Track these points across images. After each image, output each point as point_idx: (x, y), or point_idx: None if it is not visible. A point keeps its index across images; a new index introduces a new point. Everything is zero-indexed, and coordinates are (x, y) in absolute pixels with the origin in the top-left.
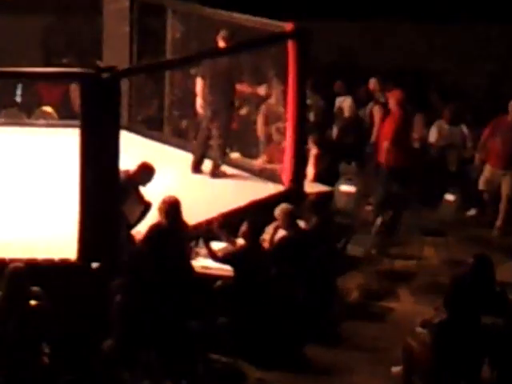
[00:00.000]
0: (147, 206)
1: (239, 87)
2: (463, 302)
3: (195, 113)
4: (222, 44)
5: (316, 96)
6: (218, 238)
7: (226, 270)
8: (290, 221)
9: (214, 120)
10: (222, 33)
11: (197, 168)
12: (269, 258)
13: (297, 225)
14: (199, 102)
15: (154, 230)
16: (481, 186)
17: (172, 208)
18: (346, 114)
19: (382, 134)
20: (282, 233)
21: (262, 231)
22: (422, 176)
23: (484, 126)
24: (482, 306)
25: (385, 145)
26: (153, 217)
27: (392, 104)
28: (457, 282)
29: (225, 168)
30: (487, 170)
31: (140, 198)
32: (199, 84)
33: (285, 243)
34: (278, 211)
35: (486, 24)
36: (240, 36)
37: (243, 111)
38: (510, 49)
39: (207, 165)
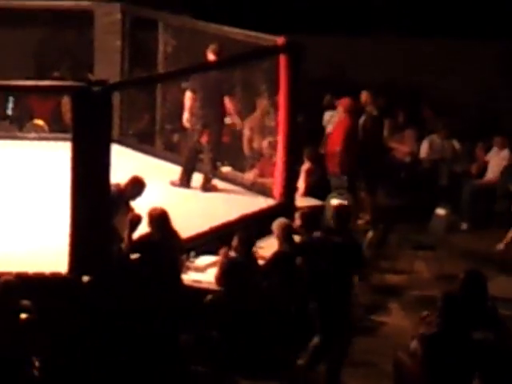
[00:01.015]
0: (137, 220)
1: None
2: (454, 316)
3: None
4: (211, 57)
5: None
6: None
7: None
8: (286, 235)
9: (205, 133)
10: (212, 46)
11: (185, 183)
12: (262, 271)
13: (292, 239)
14: (186, 116)
15: (144, 240)
16: None
17: (159, 219)
18: None
19: (332, 141)
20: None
21: (253, 245)
22: (413, 190)
23: (475, 141)
24: (473, 321)
25: (336, 150)
26: (142, 230)
27: (340, 111)
28: (448, 296)
29: (216, 182)
30: None
31: (130, 211)
32: (188, 97)
33: (278, 258)
34: (274, 225)
35: (480, 38)
36: (232, 50)
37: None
38: (503, 64)
39: (196, 179)
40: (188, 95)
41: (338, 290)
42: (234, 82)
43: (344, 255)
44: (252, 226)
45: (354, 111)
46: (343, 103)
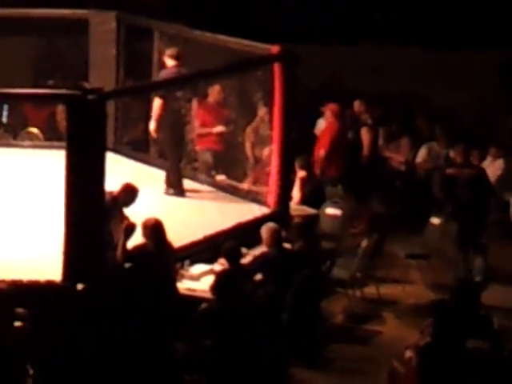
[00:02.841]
0: (131, 228)
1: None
2: (447, 326)
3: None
4: (170, 62)
5: None
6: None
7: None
8: (274, 239)
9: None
10: (169, 51)
11: (179, 192)
12: (250, 275)
13: (281, 244)
14: (154, 125)
15: (139, 249)
16: None
17: (153, 229)
18: None
19: (319, 145)
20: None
21: (239, 255)
22: (408, 198)
23: (472, 150)
24: (466, 330)
25: (320, 153)
26: (136, 238)
27: (328, 116)
28: (439, 306)
29: (209, 189)
30: None
31: (124, 219)
32: (158, 106)
33: (265, 259)
34: (264, 229)
35: (477, 49)
36: (226, 58)
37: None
38: (497, 74)
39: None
40: (157, 103)
41: None
42: (229, 91)
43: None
44: (238, 236)
45: (342, 116)
46: (331, 108)
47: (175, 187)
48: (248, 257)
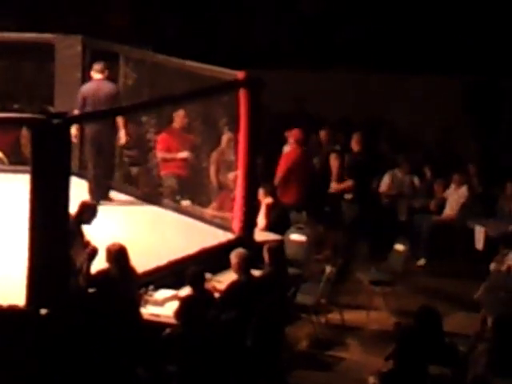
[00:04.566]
0: (93, 252)
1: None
2: (410, 352)
3: (146, 159)
4: (96, 76)
5: None
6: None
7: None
8: (243, 265)
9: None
10: (96, 65)
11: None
12: (218, 302)
13: (249, 270)
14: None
15: (102, 275)
16: None
17: (118, 255)
18: None
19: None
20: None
21: (203, 280)
22: (373, 225)
23: (434, 178)
24: (429, 356)
25: (275, 179)
26: (100, 263)
27: (291, 142)
28: (403, 332)
29: (175, 215)
30: None
31: (87, 243)
32: None
33: (235, 288)
34: (233, 255)
35: (440, 74)
36: (192, 83)
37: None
38: (461, 100)
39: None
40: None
41: None
42: (194, 116)
43: None
44: (202, 262)
45: (305, 142)
46: (292, 134)
47: (95, 195)
48: (214, 283)
